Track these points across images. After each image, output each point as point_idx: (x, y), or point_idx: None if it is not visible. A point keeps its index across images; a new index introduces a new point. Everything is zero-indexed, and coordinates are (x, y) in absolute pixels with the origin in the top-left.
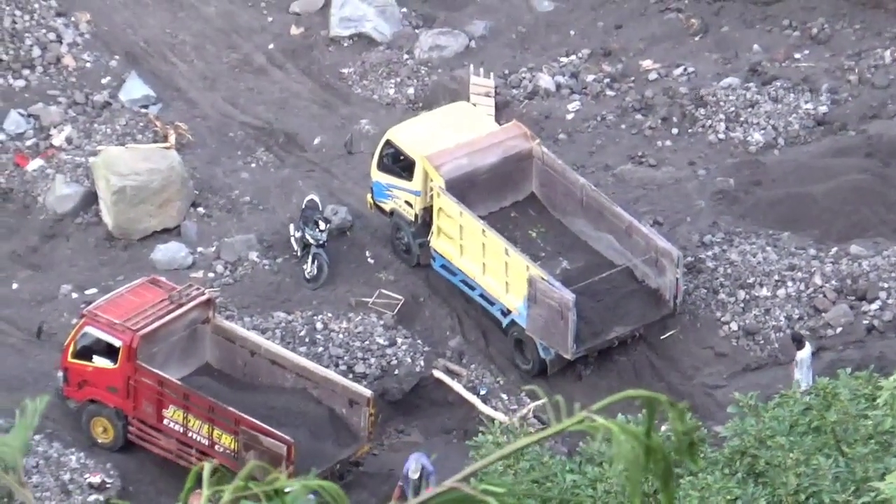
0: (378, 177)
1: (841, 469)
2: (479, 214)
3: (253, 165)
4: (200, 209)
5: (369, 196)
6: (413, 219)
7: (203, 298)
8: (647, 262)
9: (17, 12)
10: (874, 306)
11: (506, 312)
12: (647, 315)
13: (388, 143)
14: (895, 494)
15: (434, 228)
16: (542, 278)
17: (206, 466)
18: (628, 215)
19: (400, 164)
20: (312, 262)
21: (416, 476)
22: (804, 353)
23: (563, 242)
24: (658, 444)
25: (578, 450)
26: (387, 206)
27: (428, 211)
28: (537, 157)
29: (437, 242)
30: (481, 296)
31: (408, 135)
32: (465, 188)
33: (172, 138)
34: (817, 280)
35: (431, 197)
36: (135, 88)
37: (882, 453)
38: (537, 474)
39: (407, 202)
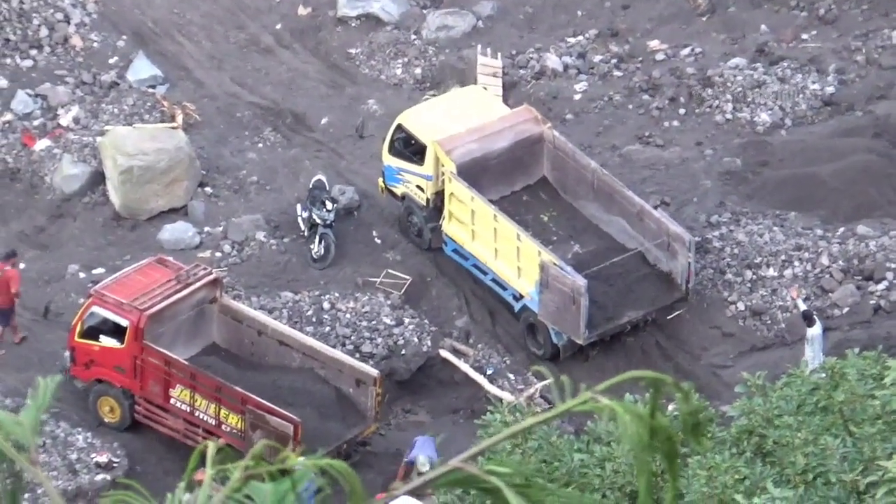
0: (389, 161)
1: (849, 449)
2: (491, 199)
3: (260, 145)
4: (208, 189)
5: (381, 180)
6: (425, 203)
7: (210, 278)
8: (659, 246)
9: None
10: (881, 286)
11: (518, 297)
12: (659, 299)
13: (400, 128)
14: None
15: (445, 213)
16: (555, 264)
17: (211, 446)
18: (639, 199)
19: (411, 149)
20: (319, 241)
21: (425, 468)
22: (815, 331)
23: (575, 226)
24: (663, 425)
25: (586, 429)
26: (398, 191)
27: (439, 195)
28: (548, 141)
29: (448, 227)
30: (493, 280)
31: (419, 119)
32: (476, 173)
33: (180, 118)
34: (824, 260)
35: (443, 181)
36: (142, 68)
37: (889, 433)
38: (545, 454)
39: (418, 186)
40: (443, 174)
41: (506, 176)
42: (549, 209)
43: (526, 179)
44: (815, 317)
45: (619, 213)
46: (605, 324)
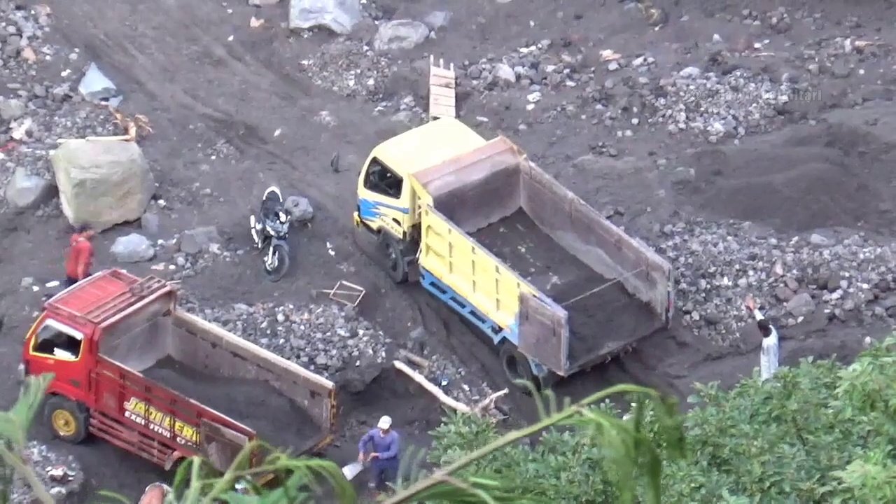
0: (365, 195)
1: (804, 458)
2: (468, 231)
3: (213, 157)
4: (161, 201)
5: (356, 214)
6: (401, 236)
7: (164, 290)
8: (637, 276)
9: None
10: (835, 295)
11: (497, 329)
12: (639, 329)
13: (375, 161)
14: (856, 484)
15: (423, 246)
16: (534, 295)
17: (196, 461)
18: (617, 229)
19: (387, 182)
20: (273, 253)
21: (385, 426)
22: (771, 341)
23: (553, 257)
24: (646, 438)
25: (541, 439)
26: (374, 224)
27: (416, 228)
28: (524, 172)
29: (426, 260)
30: (471, 313)
31: (394, 152)
32: (453, 205)
33: (133, 131)
34: (778, 269)
35: (419, 214)
36: (95, 81)
37: (845, 442)
38: (499, 463)
39: (395, 220)
40: (419, 207)
41: (482, 208)
42: (526, 240)
43: (503, 211)
44: (770, 326)
45: (596, 243)
46: (586, 355)
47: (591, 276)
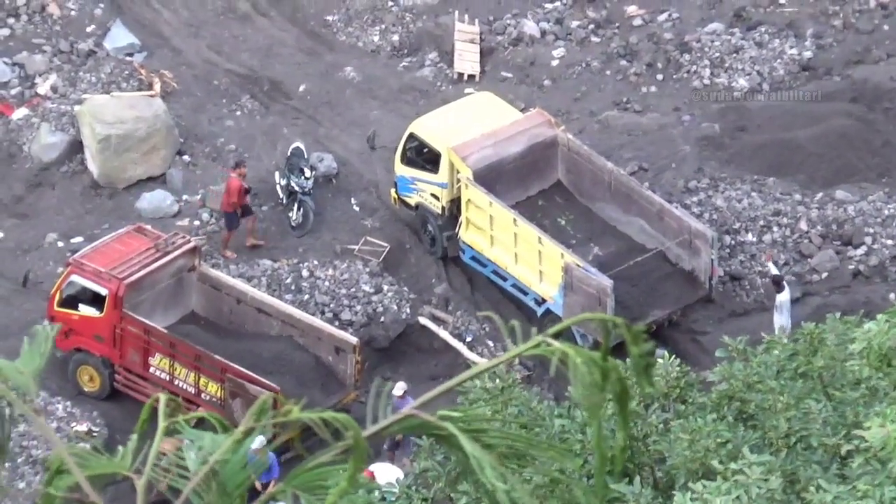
0: (402, 171)
1: (830, 413)
2: (507, 204)
3: (238, 113)
4: (186, 157)
5: (393, 191)
6: (440, 211)
7: (189, 246)
8: (680, 244)
9: None
10: (860, 251)
11: (540, 301)
12: (683, 297)
13: (412, 136)
14: (877, 444)
15: (462, 220)
16: (579, 265)
17: (161, 398)
18: (659, 198)
19: (424, 157)
20: (298, 209)
21: (399, 392)
22: (783, 297)
23: (593, 228)
24: (614, 367)
25: (567, 394)
26: (412, 200)
27: (455, 203)
28: (562, 144)
29: (466, 234)
30: (514, 286)
31: (431, 127)
32: (492, 178)
33: (157, 86)
34: (803, 225)
35: (458, 189)
36: (119, 36)
37: (871, 398)
38: (525, 419)
39: (433, 195)
40: (458, 181)
41: (521, 180)
42: (565, 212)
43: (541, 183)
44: (784, 283)
45: (637, 213)
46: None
47: (632, 246)
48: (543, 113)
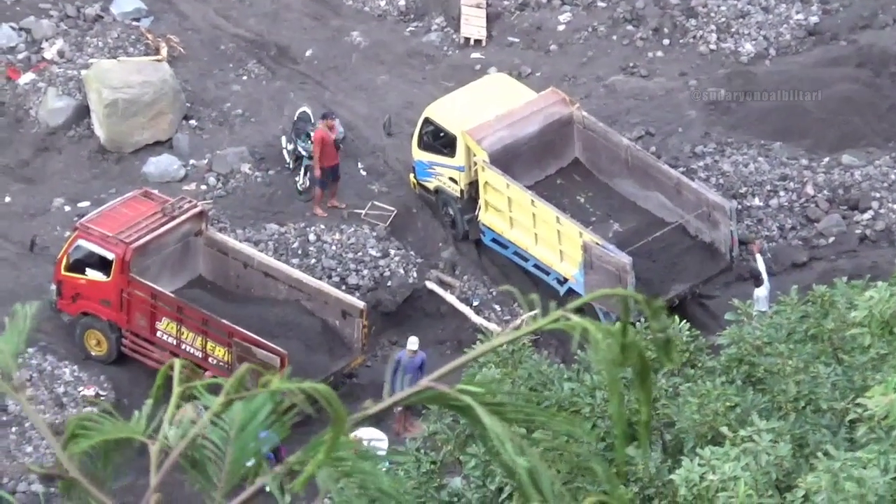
0: (420, 156)
1: (839, 377)
2: (525, 184)
3: (244, 78)
4: (192, 122)
5: (412, 176)
6: (459, 194)
7: (195, 211)
8: (699, 217)
9: None
10: (866, 216)
11: (562, 281)
12: (704, 270)
13: (427, 121)
14: (881, 413)
15: (481, 203)
16: (597, 243)
17: (177, 363)
18: (676, 172)
19: (441, 141)
20: (304, 174)
21: (413, 347)
22: (761, 292)
23: (612, 205)
24: (634, 342)
25: (577, 357)
26: (431, 185)
27: (473, 185)
28: (578, 122)
29: (485, 217)
30: (535, 266)
31: (446, 111)
32: (508, 160)
33: (164, 51)
34: (809, 190)
35: (476, 171)
36: (126, 1)
37: (880, 363)
38: (535, 382)
39: (451, 178)
40: (475, 164)
41: (538, 160)
42: (584, 190)
43: (558, 162)
44: (762, 277)
45: (655, 187)
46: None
47: (651, 220)
48: (558, 91)
